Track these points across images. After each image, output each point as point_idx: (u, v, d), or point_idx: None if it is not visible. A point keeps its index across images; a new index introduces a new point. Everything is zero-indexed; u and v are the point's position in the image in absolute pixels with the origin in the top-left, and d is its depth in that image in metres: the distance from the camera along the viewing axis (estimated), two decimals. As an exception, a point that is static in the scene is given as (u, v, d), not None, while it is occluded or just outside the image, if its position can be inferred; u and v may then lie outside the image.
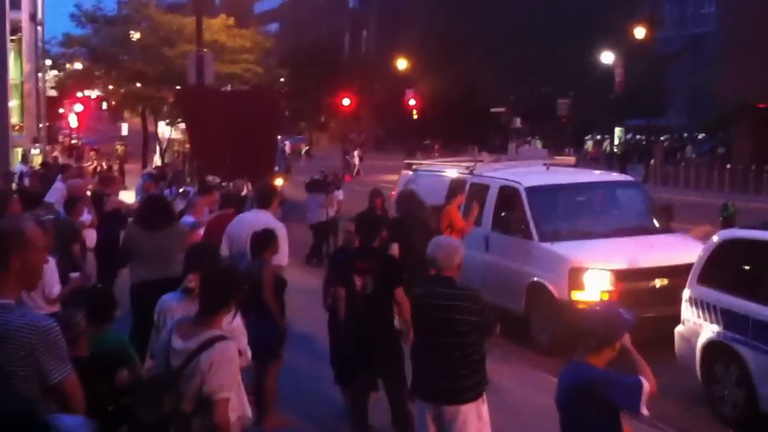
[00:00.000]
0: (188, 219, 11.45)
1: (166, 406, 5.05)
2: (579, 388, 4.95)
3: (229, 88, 33.39)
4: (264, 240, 8.45)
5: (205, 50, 22.74)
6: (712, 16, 53.77)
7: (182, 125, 38.02)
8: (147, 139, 43.46)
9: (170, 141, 39.90)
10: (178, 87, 32.44)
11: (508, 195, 13.09)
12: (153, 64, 36.92)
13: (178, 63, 31.57)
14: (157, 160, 38.91)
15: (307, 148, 59.82)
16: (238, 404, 5.32)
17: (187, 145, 33.12)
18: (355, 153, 51.12)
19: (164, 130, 42.02)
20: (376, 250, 8.27)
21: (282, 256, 9.02)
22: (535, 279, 12.06)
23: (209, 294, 5.34)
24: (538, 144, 56.50)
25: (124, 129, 68.08)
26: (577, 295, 11.46)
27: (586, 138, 60.01)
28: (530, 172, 14.23)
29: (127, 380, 5.99)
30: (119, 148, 52.54)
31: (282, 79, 47.31)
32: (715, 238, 9.78)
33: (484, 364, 6.50)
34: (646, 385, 4.91)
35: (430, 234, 9.45)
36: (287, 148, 59.72)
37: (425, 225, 10.97)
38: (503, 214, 13.07)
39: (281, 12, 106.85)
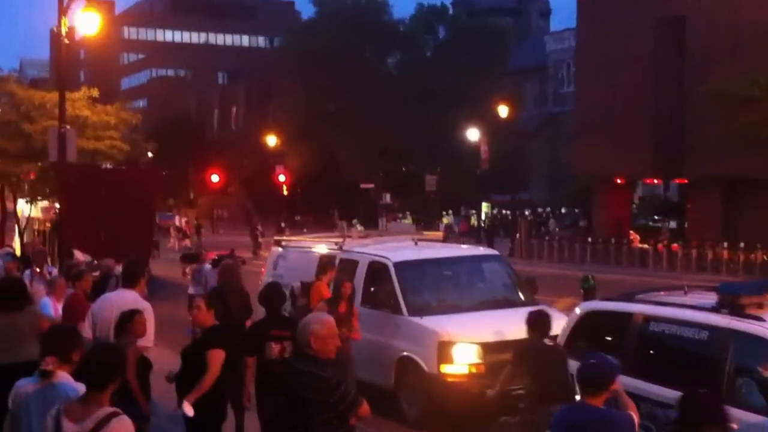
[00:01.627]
0: (47, 301, 11.11)
1: None
2: (586, 425, 5.96)
3: (109, 165, 32.74)
4: (129, 321, 8.21)
5: (68, 126, 22.26)
6: (571, 95, 56.03)
7: (43, 203, 36.97)
8: (5, 218, 42.05)
9: (30, 219, 38.65)
10: (40, 163, 31.61)
11: (378, 270, 13.16)
12: (12, 141, 35.90)
13: (39, 139, 30.78)
14: (16, 240, 37.60)
15: (198, 224, 58.51)
16: None
17: (48, 224, 32.19)
18: (258, 228, 50.74)
19: (24, 208, 40.72)
20: (287, 318, 9.53)
21: (148, 337, 8.82)
22: (405, 353, 12.09)
23: (95, 371, 5.25)
24: (409, 220, 57.38)
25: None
26: (446, 369, 11.55)
27: (444, 213, 60.96)
28: (399, 247, 14.37)
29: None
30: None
31: (150, 154, 46.70)
32: (578, 310, 10.03)
33: None
34: (637, 418, 6.20)
35: (244, 301, 11.25)
36: (180, 223, 58.85)
37: (241, 293, 11.76)
38: (372, 289, 13.13)
39: (149, 88, 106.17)
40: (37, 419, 6.02)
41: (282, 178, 65.75)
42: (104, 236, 13.66)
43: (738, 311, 7.94)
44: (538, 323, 9.33)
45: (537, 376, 8.94)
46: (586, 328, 9.73)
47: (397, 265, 12.89)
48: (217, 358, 8.28)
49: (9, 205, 42.75)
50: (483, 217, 60.06)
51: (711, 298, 8.51)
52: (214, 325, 8.77)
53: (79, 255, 15.06)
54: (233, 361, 8.62)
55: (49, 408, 5.73)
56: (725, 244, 33.86)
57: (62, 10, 21.95)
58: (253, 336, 9.41)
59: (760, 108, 28.22)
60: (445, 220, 58.65)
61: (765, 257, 32.40)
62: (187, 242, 52.85)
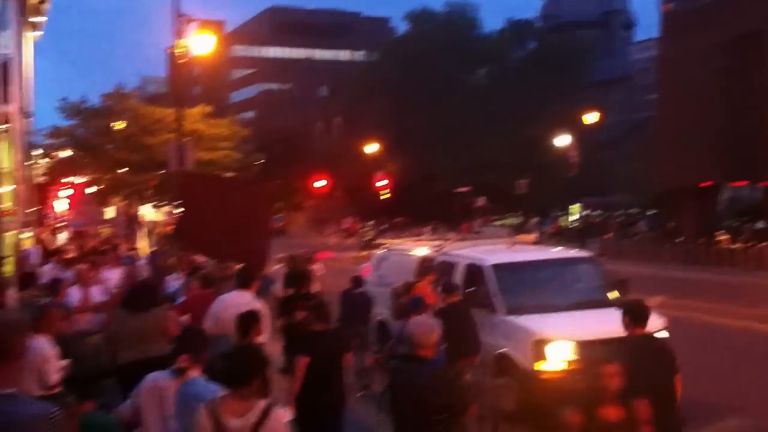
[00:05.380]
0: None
1: None
2: None
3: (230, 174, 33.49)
4: (251, 321, 8.25)
5: (185, 139, 22.84)
6: (656, 102, 54.97)
7: (165, 208, 38.05)
8: (131, 222, 43.37)
9: (153, 223, 39.77)
10: (162, 172, 32.56)
11: (475, 272, 13.14)
12: (136, 152, 37.03)
13: (159, 151, 31.68)
14: (140, 243, 38.68)
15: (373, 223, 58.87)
16: None
17: (170, 228, 33.06)
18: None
19: (147, 212, 41.94)
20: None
21: (265, 335, 8.97)
22: (501, 350, 12.03)
23: (245, 369, 5.31)
24: (511, 220, 57.10)
25: (110, 212, 67.78)
26: (540, 366, 11.45)
27: (532, 216, 60.06)
28: (494, 250, 14.32)
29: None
30: (105, 230, 52.28)
31: (262, 161, 47.65)
32: None
33: None
34: None
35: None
36: (347, 225, 60.16)
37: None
38: (470, 289, 13.11)
39: (257, 100, 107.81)
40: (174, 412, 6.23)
41: (382, 183, 66.08)
42: (225, 241, 13.77)
43: None
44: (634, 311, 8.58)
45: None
46: None
47: (494, 267, 12.87)
48: (300, 364, 8.47)
49: (133, 210, 44.06)
50: (575, 218, 59.27)
51: None
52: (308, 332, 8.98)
53: (199, 258, 15.32)
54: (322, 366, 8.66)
55: (186, 402, 5.90)
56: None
57: (178, 33, 22.53)
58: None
59: None
60: (531, 223, 58.09)
61: None
62: (351, 240, 53.65)
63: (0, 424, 3.91)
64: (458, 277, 13.37)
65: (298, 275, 12.79)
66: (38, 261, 18.34)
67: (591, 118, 47.64)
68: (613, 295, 13.32)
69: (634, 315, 7.66)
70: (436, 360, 6.37)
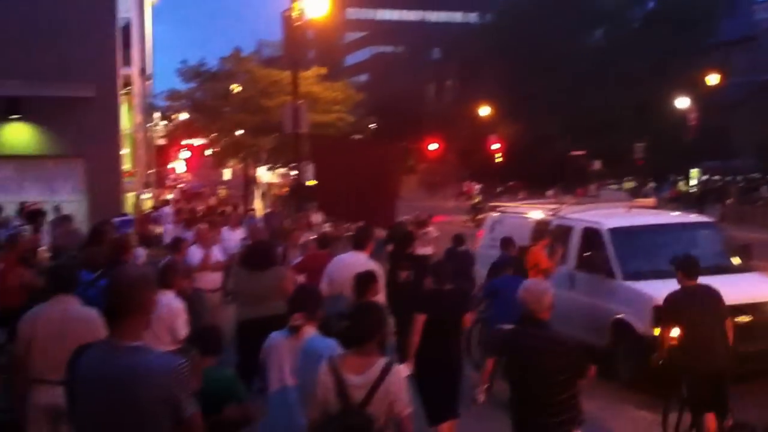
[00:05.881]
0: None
1: None
2: None
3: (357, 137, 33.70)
4: (368, 281, 8.24)
5: (300, 101, 23.09)
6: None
7: (280, 170, 38.59)
8: (248, 184, 44.26)
9: (269, 185, 40.51)
10: (277, 134, 32.90)
11: (592, 236, 12.91)
12: (252, 115, 37.64)
13: (276, 113, 32.09)
14: (257, 204, 39.50)
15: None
16: None
17: (285, 189, 33.56)
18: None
19: (263, 174, 42.69)
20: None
21: (381, 296, 9.03)
22: (619, 316, 11.82)
23: (367, 326, 5.37)
24: (630, 183, 55.78)
25: (227, 174, 69.34)
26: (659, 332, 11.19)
27: (649, 181, 58.36)
28: (612, 214, 14.02)
29: (236, 414, 6.05)
30: (222, 192, 53.54)
31: (373, 125, 47.86)
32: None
33: (575, 402, 6.26)
34: None
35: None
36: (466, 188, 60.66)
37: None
38: (587, 254, 12.89)
39: (370, 64, 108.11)
40: (291, 369, 6.34)
41: (495, 146, 65.54)
42: (354, 203, 13.87)
43: None
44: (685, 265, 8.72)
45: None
46: None
47: (611, 231, 12.60)
48: (418, 321, 8.44)
49: (250, 172, 44.93)
50: (694, 183, 57.54)
51: None
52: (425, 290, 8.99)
53: (316, 218, 15.50)
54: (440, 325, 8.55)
55: (306, 359, 5.99)
56: None
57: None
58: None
59: None
60: (648, 188, 56.57)
61: None
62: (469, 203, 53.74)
63: (128, 376, 4.02)
64: (575, 241, 13.16)
65: (397, 236, 12.69)
66: (172, 220, 18.87)
67: (712, 79, 45.96)
68: (735, 261, 12.91)
69: (686, 269, 8.65)
70: (551, 322, 6.29)
